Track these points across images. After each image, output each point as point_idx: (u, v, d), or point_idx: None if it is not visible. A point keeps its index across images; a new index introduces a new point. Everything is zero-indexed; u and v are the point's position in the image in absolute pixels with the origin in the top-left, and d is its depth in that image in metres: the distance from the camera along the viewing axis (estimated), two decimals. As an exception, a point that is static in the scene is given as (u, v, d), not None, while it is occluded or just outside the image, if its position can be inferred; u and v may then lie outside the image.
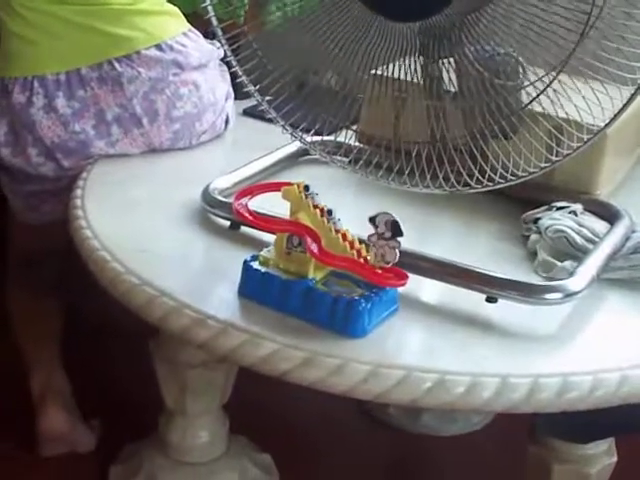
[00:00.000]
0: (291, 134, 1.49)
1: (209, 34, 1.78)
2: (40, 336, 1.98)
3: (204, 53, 1.78)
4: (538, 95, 1.32)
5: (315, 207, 1.23)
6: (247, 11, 1.88)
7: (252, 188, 1.35)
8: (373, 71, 1.44)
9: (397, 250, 1.18)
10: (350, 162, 1.49)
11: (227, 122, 1.85)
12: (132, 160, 1.73)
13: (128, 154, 1.73)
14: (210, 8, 1.44)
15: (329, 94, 1.50)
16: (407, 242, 1.20)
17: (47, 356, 1.99)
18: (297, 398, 1.66)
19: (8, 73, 1.72)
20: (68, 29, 1.69)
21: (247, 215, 1.30)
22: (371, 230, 1.19)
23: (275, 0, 1.79)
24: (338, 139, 1.55)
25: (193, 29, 1.80)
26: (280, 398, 1.90)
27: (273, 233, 1.26)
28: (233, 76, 1.76)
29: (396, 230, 1.18)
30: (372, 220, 1.18)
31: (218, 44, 1.75)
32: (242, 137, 1.86)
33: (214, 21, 1.46)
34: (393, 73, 1.42)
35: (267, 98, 1.49)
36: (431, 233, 1.48)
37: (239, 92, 1.82)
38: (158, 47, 1.72)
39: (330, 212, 1.24)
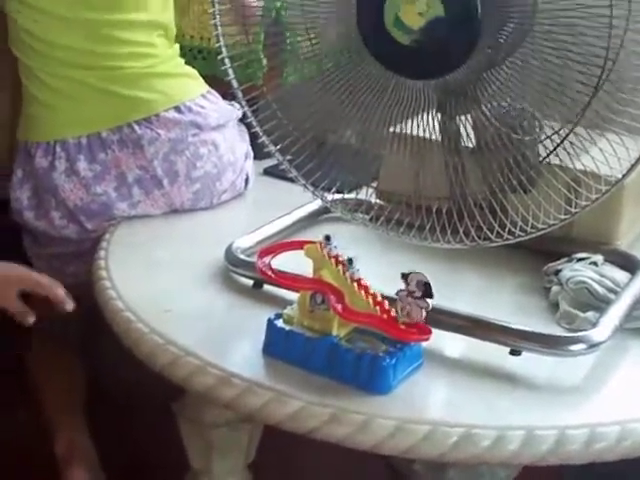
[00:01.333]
0: (312, 193, 1.51)
1: (228, 95, 1.81)
2: (64, 395, 1.98)
3: (223, 113, 1.81)
4: (555, 148, 1.33)
5: (335, 258, 1.24)
6: (265, 73, 1.91)
7: (274, 247, 1.37)
8: (392, 128, 1.46)
9: (424, 310, 1.19)
10: (371, 219, 1.50)
11: (247, 181, 1.87)
12: (154, 221, 1.75)
13: (150, 215, 1.76)
14: (230, 71, 1.46)
15: (349, 152, 1.52)
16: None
17: (71, 417, 1.99)
18: (320, 455, 1.66)
19: (30, 137, 1.75)
20: (88, 94, 1.72)
21: (270, 274, 1.31)
22: (400, 286, 1.20)
23: (292, 61, 1.81)
24: (359, 197, 1.56)
25: (212, 90, 1.83)
26: (304, 455, 1.89)
27: (296, 291, 1.27)
28: (253, 136, 1.78)
29: (427, 291, 1.19)
30: (405, 277, 1.19)
31: (237, 105, 1.78)
32: (263, 196, 1.88)
33: (234, 83, 1.48)
34: (411, 130, 1.43)
35: (287, 157, 1.51)
36: (453, 287, 1.48)
37: (259, 152, 1.84)
38: (177, 109, 1.74)
39: (350, 261, 1.25)
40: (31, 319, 1.50)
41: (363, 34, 1.30)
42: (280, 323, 1.25)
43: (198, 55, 2.07)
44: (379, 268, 1.27)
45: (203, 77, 1.86)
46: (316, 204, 1.66)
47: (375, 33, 1.28)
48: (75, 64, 1.72)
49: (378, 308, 1.21)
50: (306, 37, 1.52)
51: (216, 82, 1.84)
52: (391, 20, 1.25)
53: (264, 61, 1.92)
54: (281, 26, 1.92)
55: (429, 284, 1.19)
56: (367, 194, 1.54)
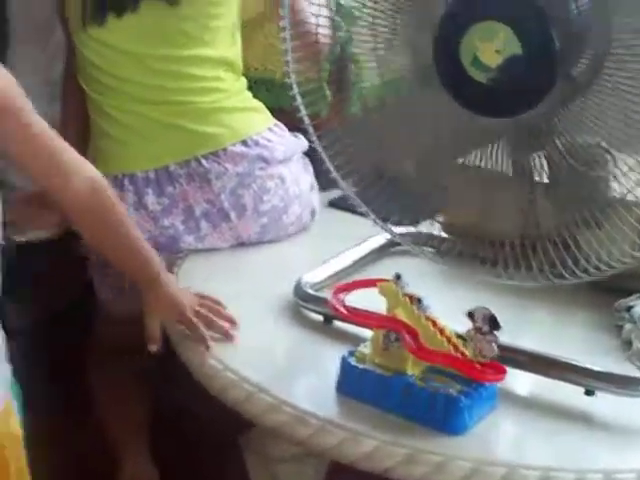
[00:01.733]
0: (381, 227, 1.50)
1: (293, 127, 1.82)
2: (131, 424, 1.99)
3: (289, 147, 1.81)
4: (630, 185, 1.32)
5: (409, 297, 1.23)
6: (331, 106, 1.92)
7: (348, 285, 1.36)
8: (461, 160, 1.45)
9: (495, 344, 1.18)
10: (441, 254, 1.50)
11: (313, 214, 1.87)
12: (221, 254, 1.76)
13: (217, 248, 1.76)
14: (302, 107, 1.47)
15: (417, 185, 1.52)
16: (500, 334, 1.20)
17: (135, 444, 2.00)
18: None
19: (99, 170, 1.76)
20: (157, 129, 1.74)
21: (344, 311, 1.31)
22: (468, 324, 1.19)
23: (357, 92, 1.82)
24: (428, 231, 1.55)
25: (278, 123, 1.83)
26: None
27: (370, 329, 1.26)
28: (320, 169, 1.79)
29: (494, 324, 1.18)
30: (470, 315, 1.18)
31: (302, 137, 1.79)
32: (328, 228, 1.88)
33: (306, 119, 1.48)
34: (481, 163, 1.43)
35: (356, 190, 1.51)
36: (523, 324, 1.47)
37: (322, 183, 1.85)
38: (244, 143, 1.75)
39: (420, 300, 1.24)
40: (154, 347, 1.48)
41: (440, 72, 1.30)
42: (353, 361, 1.25)
43: (262, 87, 2.07)
44: (445, 304, 1.26)
45: (269, 110, 1.87)
46: (382, 237, 1.66)
47: (452, 71, 1.27)
48: (143, 99, 1.74)
49: (452, 347, 1.20)
50: (371, 69, 1.53)
51: (280, 113, 1.86)
52: (469, 59, 1.25)
53: (328, 94, 1.93)
54: (346, 59, 1.94)
55: (494, 316, 1.18)
56: (436, 228, 1.53)
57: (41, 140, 1.29)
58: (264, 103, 1.87)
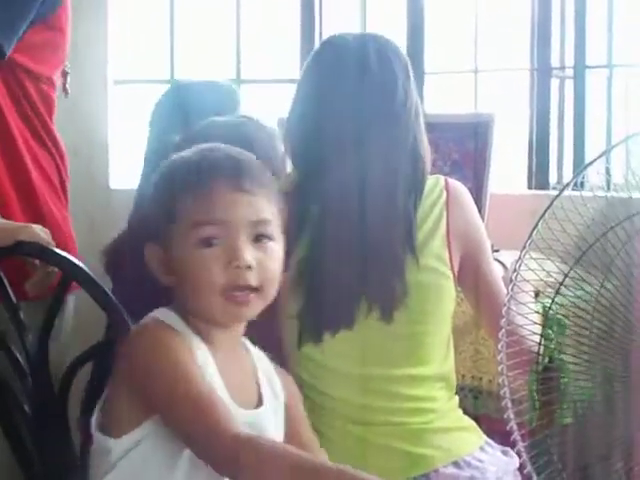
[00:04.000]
0: None
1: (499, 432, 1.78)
2: None
3: (500, 466, 1.76)
4: None
5: None
6: (537, 415, 1.88)
7: None
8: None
9: None
10: None
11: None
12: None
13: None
14: (511, 416, 1.44)
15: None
16: None
17: None
18: None
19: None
20: (367, 450, 1.72)
21: None
22: None
23: (566, 399, 1.78)
24: None
25: (489, 441, 1.79)
26: None
27: None
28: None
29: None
30: None
31: (512, 453, 1.74)
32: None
33: (515, 429, 1.45)
34: None
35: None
36: None
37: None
38: (456, 464, 1.71)
39: None
40: None
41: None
42: None
43: (469, 394, 2.06)
44: None
45: (474, 418, 1.84)
46: None
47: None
48: (355, 419, 1.73)
49: None
50: (579, 373, 1.59)
51: (487, 421, 1.83)
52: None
53: (538, 404, 1.90)
54: (554, 367, 1.91)
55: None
56: None
57: None
58: (471, 410, 1.84)
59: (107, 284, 1.93)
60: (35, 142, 1.97)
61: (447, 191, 1.75)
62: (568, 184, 1.68)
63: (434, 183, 1.76)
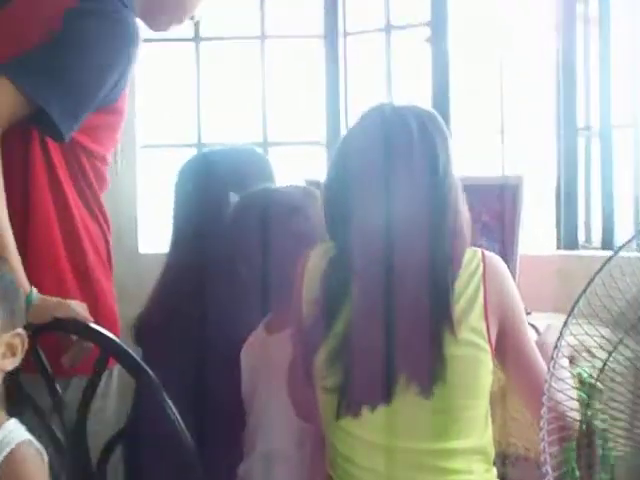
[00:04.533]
0: None
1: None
2: None
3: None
4: None
5: None
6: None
7: None
8: None
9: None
10: None
11: None
12: None
13: None
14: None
15: None
16: None
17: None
18: None
19: None
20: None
21: None
22: None
23: (604, 464, 1.77)
24: None
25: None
26: None
27: None
28: None
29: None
30: None
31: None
32: None
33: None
34: None
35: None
36: None
37: None
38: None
39: None
40: None
41: None
42: None
43: (506, 460, 2.04)
44: None
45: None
46: None
47: None
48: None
49: None
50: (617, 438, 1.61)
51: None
52: None
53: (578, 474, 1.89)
54: (592, 433, 1.89)
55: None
56: None
57: None
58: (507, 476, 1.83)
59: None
60: (89, 218, 1.99)
61: (484, 264, 1.75)
62: (622, 246, 1.69)
63: (471, 256, 1.76)
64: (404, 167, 1.71)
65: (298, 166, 3.62)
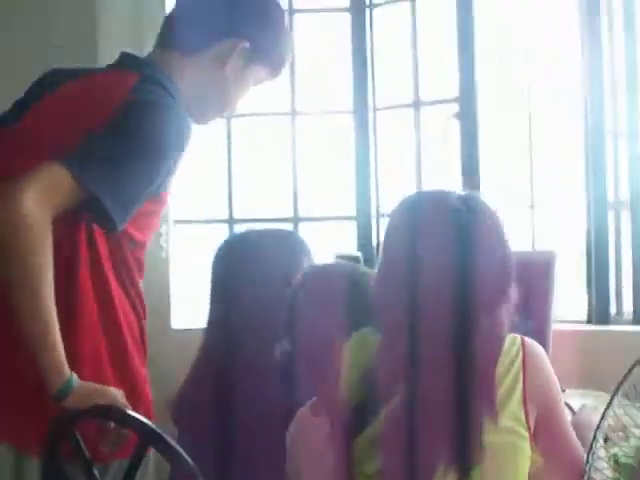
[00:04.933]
0: None
1: None
2: None
3: None
4: None
5: None
6: None
7: None
8: None
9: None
10: None
11: None
12: None
13: None
14: None
15: None
16: None
17: None
18: None
19: None
20: None
21: None
22: None
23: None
24: None
25: None
26: None
27: None
28: None
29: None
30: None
31: None
32: None
33: None
34: None
35: None
36: None
37: None
38: None
39: None
40: None
41: None
42: None
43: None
44: None
45: None
46: None
47: None
48: None
49: None
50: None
51: None
52: None
53: None
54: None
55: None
56: None
57: None
58: None
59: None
60: (128, 306, 2.01)
61: (524, 351, 1.75)
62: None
63: (511, 342, 1.76)
64: (455, 259, 1.73)
65: (329, 241, 3.65)
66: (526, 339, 1.78)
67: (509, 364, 1.73)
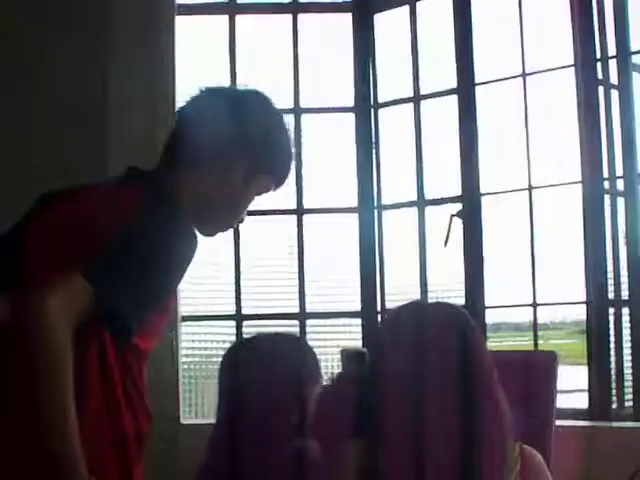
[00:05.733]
0: None
1: None
2: None
3: None
4: None
5: None
6: None
7: None
8: None
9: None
10: None
11: None
12: None
13: None
14: None
15: None
16: None
17: None
18: None
19: None
20: None
21: None
22: None
23: None
24: None
25: None
26: None
27: None
28: None
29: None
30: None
31: None
32: None
33: None
34: None
35: None
36: None
37: None
38: None
39: None
40: None
41: None
42: None
43: None
44: None
45: None
46: None
47: None
48: None
49: None
50: None
51: None
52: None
53: None
54: None
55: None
56: None
57: None
58: None
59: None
60: (131, 417, 2.04)
61: (522, 460, 1.79)
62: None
63: (510, 449, 1.80)
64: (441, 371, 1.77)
65: (334, 336, 3.71)
66: (525, 447, 1.82)
67: (508, 471, 1.77)
